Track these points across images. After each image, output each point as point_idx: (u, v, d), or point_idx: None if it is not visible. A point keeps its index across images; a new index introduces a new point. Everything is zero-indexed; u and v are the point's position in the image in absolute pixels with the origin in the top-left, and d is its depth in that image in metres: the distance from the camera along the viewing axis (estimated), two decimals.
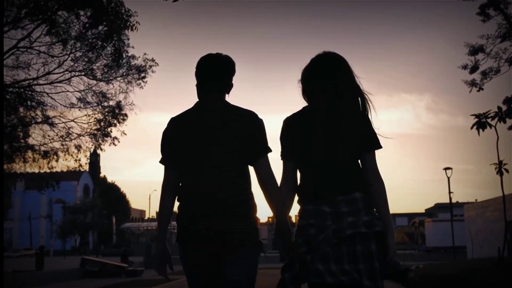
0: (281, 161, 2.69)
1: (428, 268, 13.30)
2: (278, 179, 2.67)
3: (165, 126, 2.73)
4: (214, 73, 2.70)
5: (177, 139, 2.65)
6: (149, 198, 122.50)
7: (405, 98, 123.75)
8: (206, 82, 2.70)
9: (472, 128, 9.13)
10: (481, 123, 9.09)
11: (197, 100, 2.73)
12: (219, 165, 2.57)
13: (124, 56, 16.07)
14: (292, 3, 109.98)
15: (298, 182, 2.67)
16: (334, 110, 2.59)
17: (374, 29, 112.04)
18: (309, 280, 2.42)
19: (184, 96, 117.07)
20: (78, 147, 17.88)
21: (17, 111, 17.93)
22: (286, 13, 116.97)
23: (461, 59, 14.61)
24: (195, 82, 2.73)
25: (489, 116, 9.20)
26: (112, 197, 77.64)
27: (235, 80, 2.79)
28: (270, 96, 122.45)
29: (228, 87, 2.75)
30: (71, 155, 17.95)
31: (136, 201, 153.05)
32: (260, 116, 2.71)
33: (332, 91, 2.61)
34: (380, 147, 2.58)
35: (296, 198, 2.66)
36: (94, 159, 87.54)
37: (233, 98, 2.78)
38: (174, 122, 2.71)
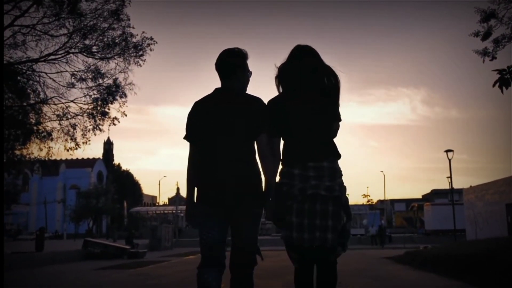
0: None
1: (438, 249, 11.80)
2: None
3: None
4: (224, 68, 3.00)
5: (198, 120, 2.96)
6: (159, 184, 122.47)
7: (403, 92, 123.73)
8: (220, 74, 3.02)
9: (494, 85, 7.21)
10: (504, 79, 7.17)
11: (215, 87, 3.05)
12: (231, 142, 2.88)
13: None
14: (293, 3, 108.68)
15: (281, 151, 3.02)
16: (312, 94, 2.96)
17: (374, 28, 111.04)
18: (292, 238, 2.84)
19: (194, 90, 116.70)
20: (74, 126, 16.50)
21: (21, 94, 16.58)
22: (287, 13, 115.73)
23: (458, 57, 13.04)
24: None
25: None
26: (125, 183, 77.14)
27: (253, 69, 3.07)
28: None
29: (239, 77, 3.00)
30: (67, 134, 16.58)
31: (148, 188, 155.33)
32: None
33: (314, 79, 2.97)
34: (340, 120, 3.01)
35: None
36: (108, 148, 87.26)
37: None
38: (196, 106, 3.01)
